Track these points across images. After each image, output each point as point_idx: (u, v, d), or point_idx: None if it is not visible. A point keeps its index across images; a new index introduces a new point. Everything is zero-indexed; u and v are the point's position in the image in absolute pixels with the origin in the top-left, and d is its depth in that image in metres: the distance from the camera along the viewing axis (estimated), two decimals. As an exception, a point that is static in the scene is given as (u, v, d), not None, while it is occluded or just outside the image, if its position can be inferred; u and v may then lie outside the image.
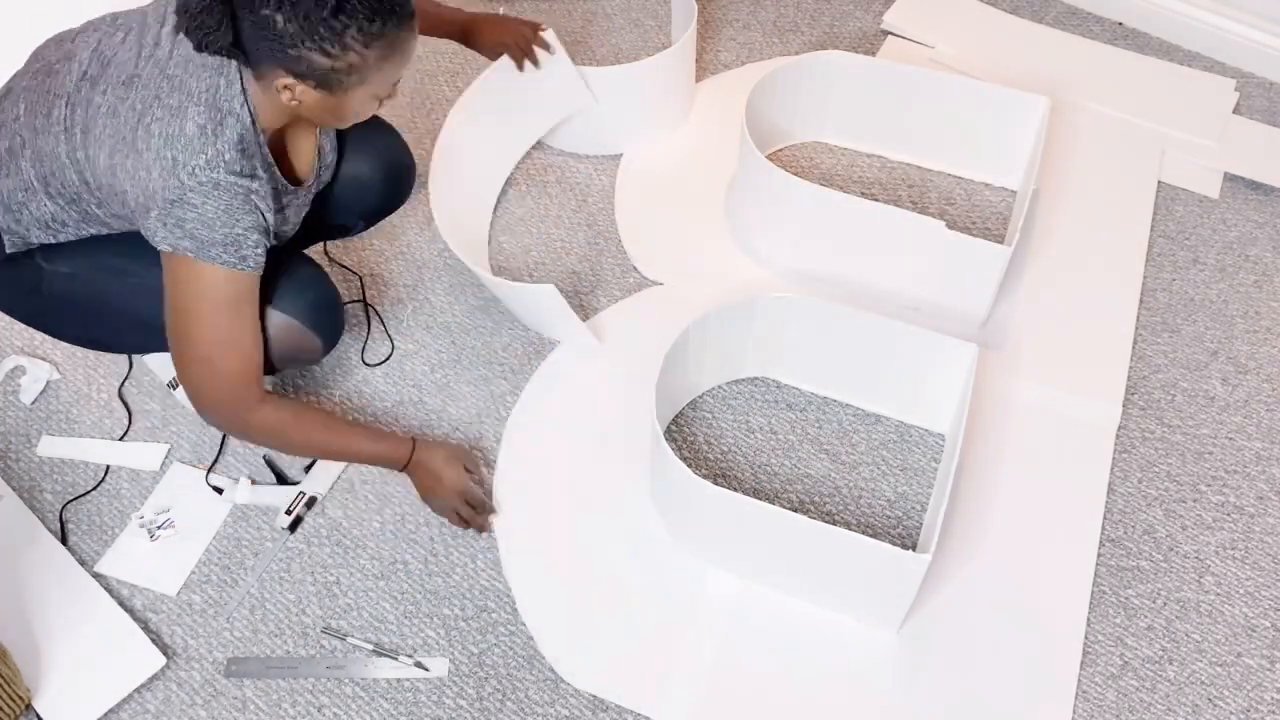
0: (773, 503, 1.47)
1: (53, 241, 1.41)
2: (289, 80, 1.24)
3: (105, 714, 1.36)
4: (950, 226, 1.69)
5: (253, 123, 1.29)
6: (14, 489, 1.56)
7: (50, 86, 1.34)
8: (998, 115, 1.91)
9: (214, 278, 1.29)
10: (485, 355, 1.74)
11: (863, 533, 1.51)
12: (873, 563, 1.35)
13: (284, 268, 1.45)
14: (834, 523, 1.55)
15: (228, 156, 1.26)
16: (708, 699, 1.40)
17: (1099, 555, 1.55)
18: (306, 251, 1.65)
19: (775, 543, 1.40)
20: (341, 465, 1.59)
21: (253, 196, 1.29)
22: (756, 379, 1.73)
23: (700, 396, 1.71)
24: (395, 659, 1.42)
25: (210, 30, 1.20)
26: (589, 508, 1.56)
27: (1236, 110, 2.16)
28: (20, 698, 1.33)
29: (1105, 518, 1.59)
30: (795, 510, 1.53)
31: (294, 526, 1.53)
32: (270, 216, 1.33)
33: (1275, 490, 1.63)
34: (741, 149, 1.82)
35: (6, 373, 1.69)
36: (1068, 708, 1.41)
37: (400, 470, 1.50)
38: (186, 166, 1.25)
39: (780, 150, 2.07)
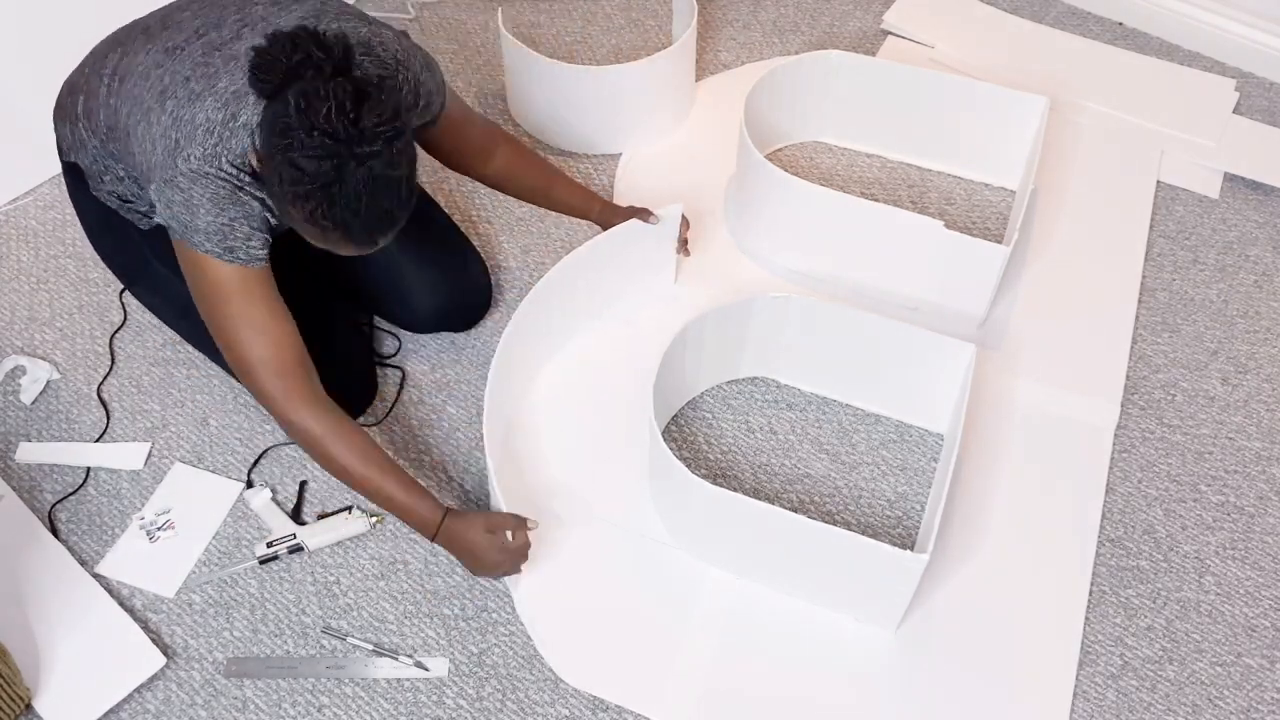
0: (773, 503, 1.47)
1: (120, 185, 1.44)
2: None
3: (105, 714, 1.36)
4: (949, 226, 1.69)
5: None
6: (14, 489, 1.56)
7: (117, 34, 1.37)
8: (997, 115, 1.90)
9: (209, 267, 1.28)
10: (485, 355, 1.74)
11: (862, 533, 1.51)
12: (871, 562, 1.35)
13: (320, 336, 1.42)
14: (834, 523, 1.55)
15: (226, 160, 1.26)
16: (707, 699, 1.40)
17: (1099, 555, 1.55)
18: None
19: (775, 543, 1.40)
20: (340, 534, 1.51)
21: (243, 192, 1.27)
22: (756, 379, 1.73)
23: (699, 396, 1.71)
24: (395, 659, 1.42)
25: (261, 77, 1.19)
26: (589, 508, 1.56)
27: (1236, 110, 2.16)
28: (20, 697, 1.33)
29: (1105, 518, 1.59)
30: (795, 510, 1.53)
31: (266, 561, 1.49)
32: (271, 214, 1.30)
33: (1275, 490, 1.63)
34: (741, 149, 1.82)
35: (6, 373, 1.69)
36: (1065, 707, 1.41)
37: (429, 539, 1.38)
38: (184, 152, 1.25)
39: (780, 150, 2.07)
